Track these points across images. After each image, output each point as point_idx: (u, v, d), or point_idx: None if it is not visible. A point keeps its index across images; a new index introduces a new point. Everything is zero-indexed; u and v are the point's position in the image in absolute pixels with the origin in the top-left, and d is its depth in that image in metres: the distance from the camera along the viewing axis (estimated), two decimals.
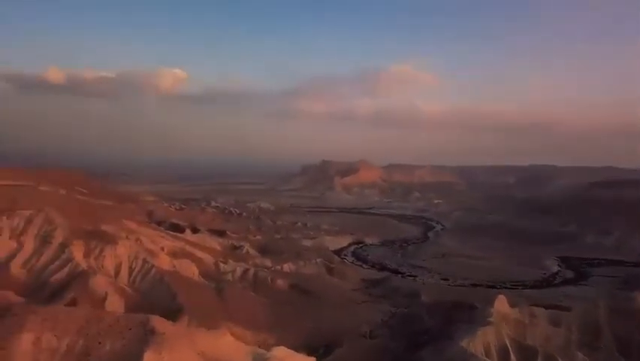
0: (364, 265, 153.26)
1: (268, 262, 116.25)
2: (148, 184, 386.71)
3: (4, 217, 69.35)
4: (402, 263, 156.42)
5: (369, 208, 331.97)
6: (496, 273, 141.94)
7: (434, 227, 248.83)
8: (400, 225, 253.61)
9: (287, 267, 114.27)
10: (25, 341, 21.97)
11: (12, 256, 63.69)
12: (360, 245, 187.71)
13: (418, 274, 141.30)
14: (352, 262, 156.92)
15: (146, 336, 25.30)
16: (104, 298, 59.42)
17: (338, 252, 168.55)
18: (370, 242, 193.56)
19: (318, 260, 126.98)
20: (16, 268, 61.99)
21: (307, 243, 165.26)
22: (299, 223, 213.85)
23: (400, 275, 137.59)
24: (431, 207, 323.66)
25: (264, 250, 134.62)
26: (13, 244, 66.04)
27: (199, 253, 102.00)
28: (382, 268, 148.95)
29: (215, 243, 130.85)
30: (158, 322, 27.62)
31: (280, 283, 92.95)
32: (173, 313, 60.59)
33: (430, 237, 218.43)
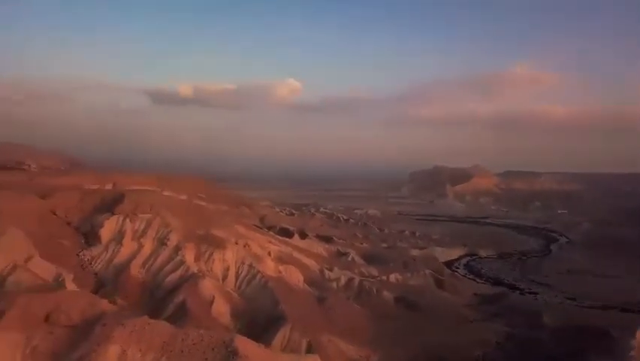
0: (478, 280, 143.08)
1: (374, 272, 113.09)
2: (264, 189, 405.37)
3: (128, 220, 75.10)
4: (520, 278, 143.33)
5: (484, 218, 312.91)
6: (631, 294, 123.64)
7: (558, 240, 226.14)
8: (518, 236, 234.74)
9: (393, 277, 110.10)
10: (112, 353, 22.09)
11: (133, 257, 68.51)
12: (474, 257, 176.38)
13: (539, 291, 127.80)
14: (464, 276, 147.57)
15: (228, 358, 24.23)
16: (211, 302, 61.15)
17: (449, 264, 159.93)
18: (485, 254, 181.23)
19: (427, 272, 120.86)
20: (135, 269, 66.44)
21: (415, 253, 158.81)
22: (407, 232, 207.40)
23: (517, 292, 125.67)
24: (554, 218, 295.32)
25: (370, 259, 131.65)
26: (134, 246, 71.10)
27: (305, 260, 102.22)
28: (498, 283, 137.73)
29: (321, 249, 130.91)
30: (241, 343, 26.48)
31: (386, 294, 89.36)
32: (275, 321, 60.47)
33: (553, 250, 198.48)
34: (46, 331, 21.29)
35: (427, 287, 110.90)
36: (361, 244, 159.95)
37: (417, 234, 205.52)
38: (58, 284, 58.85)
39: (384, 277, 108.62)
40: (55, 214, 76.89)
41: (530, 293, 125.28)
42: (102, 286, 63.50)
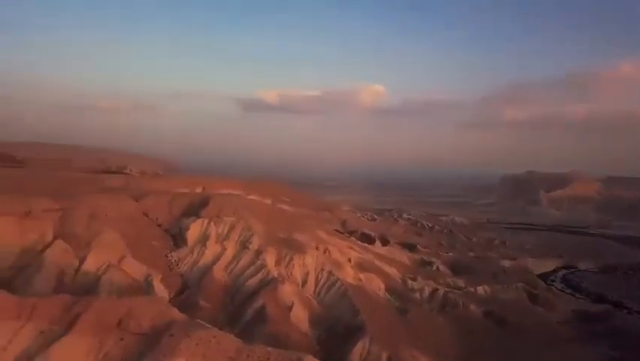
0: (577, 295, 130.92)
1: (460, 283, 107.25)
2: (346, 194, 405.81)
3: (212, 223, 77.23)
4: (627, 295, 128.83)
5: (584, 227, 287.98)
6: None
7: None
8: (623, 248, 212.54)
9: (481, 290, 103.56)
10: None
11: (216, 260, 70.15)
12: (572, 270, 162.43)
13: None
14: (561, 290, 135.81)
15: None
16: (290, 308, 60.67)
17: (543, 276, 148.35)
18: (584, 267, 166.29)
19: (519, 285, 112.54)
20: (218, 271, 67.88)
21: (506, 264, 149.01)
22: (496, 241, 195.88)
23: (624, 310, 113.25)
24: None
25: (456, 269, 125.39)
26: (218, 249, 72.83)
27: (387, 268, 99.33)
28: (600, 299, 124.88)
29: (404, 257, 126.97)
30: None
31: (473, 308, 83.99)
32: (354, 331, 58.65)
33: None
34: (118, 337, 21.33)
35: (519, 302, 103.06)
36: (447, 252, 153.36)
37: (507, 243, 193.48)
38: (148, 284, 61.60)
39: (472, 290, 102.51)
40: (147, 216, 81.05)
41: (639, 313, 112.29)
42: (187, 287, 65.50)
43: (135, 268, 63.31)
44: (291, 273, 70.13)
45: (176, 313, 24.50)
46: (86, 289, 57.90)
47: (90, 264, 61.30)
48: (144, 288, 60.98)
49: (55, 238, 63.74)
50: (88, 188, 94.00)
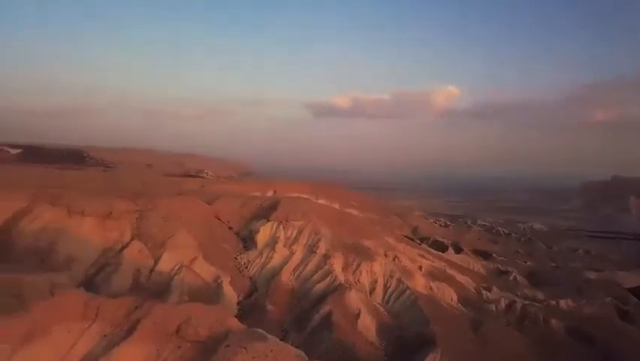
0: None
1: (540, 295, 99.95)
2: (417, 198, 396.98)
3: (281, 227, 77.61)
4: None
5: None
6: None
7: None
8: None
9: (564, 303, 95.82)
10: None
11: (284, 263, 70.26)
12: None
13: None
14: None
15: None
16: (357, 316, 59.18)
17: (635, 291, 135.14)
18: None
19: (607, 299, 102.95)
20: (286, 276, 67.89)
21: (591, 276, 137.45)
22: (580, 250, 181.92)
23: None
24: None
25: (535, 280, 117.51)
26: (286, 252, 72.98)
27: (460, 277, 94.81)
28: None
29: (478, 265, 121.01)
30: None
31: (554, 323, 77.78)
32: (423, 343, 56.02)
33: None
34: (175, 345, 21.16)
35: (607, 318, 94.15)
36: (525, 262, 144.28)
37: (592, 253, 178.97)
38: (217, 286, 62.82)
39: (553, 303, 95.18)
40: (218, 219, 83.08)
41: None
42: (255, 290, 66.06)
43: (206, 270, 64.87)
44: (358, 280, 68.65)
45: (234, 323, 24.07)
46: (160, 288, 60.05)
47: (164, 264, 63.65)
48: (214, 289, 62.28)
49: (132, 238, 66.90)
50: (165, 190, 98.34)
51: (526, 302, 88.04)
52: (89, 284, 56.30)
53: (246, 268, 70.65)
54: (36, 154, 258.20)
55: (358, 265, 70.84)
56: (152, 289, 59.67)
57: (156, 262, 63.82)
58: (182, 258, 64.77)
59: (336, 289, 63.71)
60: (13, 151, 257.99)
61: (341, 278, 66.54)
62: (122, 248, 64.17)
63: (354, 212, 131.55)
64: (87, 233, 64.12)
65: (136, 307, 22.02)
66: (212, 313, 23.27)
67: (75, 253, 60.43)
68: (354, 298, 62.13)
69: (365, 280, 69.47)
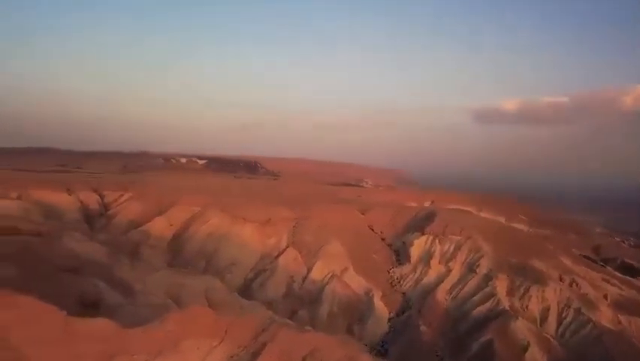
0: None
1: None
2: (599, 213, 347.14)
3: (437, 241, 72.43)
4: None
5: None
6: None
7: None
8: None
9: None
10: None
11: (439, 281, 65.07)
12: None
13: None
14: None
15: None
16: (525, 349, 51.45)
17: None
18: None
19: None
20: (441, 295, 62.68)
21: None
22: None
23: None
24: None
25: None
26: (442, 269, 67.65)
27: None
28: None
29: None
30: None
31: None
32: None
33: None
34: None
35: None
36: None
37: None
38: (368, 299, 60.69)
39: None
40: (371, 229, 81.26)
41: None
42: (408, 307, 62.25)
43: (356, 282, 63.33)
44: (526, 306, 60.04)
45: (365, 359, 21.25)
46: (311, 297, 60.12)
47: (316, 273, 63.80)
48: (364, 303, 60.32)
49: (288, 245, 68.68)
50: (322, 199, 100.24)
51: None
52: (246, 289, 58.91)
53: (399, 282, 67.24)
54: (218, 164, 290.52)
55: (527, 290, 62.07)
56: (304, 298, 60.12)
57: (309, 271, 64.37)
58: (333, 268, 64.28)
59: (500, 316, 56.51)
60: (200, 162, 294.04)
61: (505, 303, 58.94)
62: (279, 255, 66.20)
63: (523, 227, 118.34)
64: (247, 238, 67.65)
65: (263, 330, 20.73)
66: (342, 347, 20.82)
67: (236, 257, 64.07)
68: (521, 328, 54.29)
69: (535, 307, 60.46)
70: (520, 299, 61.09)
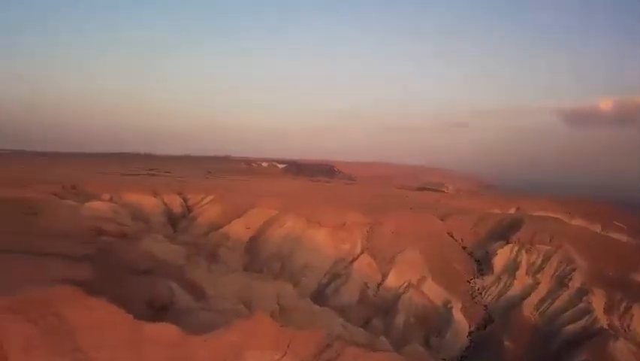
0: None
1: None
2: None
3: (524, 251, 67.34)
4: None
5: None
6: None
7: None
8: None
9: None
10: None
11: (526, 295, 60.23)
12: None
13: None
14: None
15: None
16: None
17: None
18: None
19: None
20: (528, 309, 57.92)
21: None
22: None
23: None
24: None
25: None
26: (529, 281, 62.65)
27: None
28: None
29: None
30: None
31: None
32: None
33: None
34: None
35: None
36: None
37: None
38: (446, 311, 57.65)
39: None
40: (451, 236, 77.53)
41: None
42: (490, 321, 58.30)
43: (435, 292, 60.44)
44: (628, 326, 53.79)
45: None
46: (386, 306, 58.22)
47: (391, 281, 61.77)
48: (443, 315, 57.34)
49: (362, 250, 67.18)
50: (398, 204, 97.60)
51: None
52: (319, 294, 58.18)
53: (480, 294, 63.27)
54: (297, 168, 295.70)
55: (628, 308, 55.64)
56: (378, 306, 58.30)
57: (384, 278, 62.45)
58: (410, 276, 61.83)
59: (597, 335, 51.07)
60: (280, 166, 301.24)
61: (603, 322, 53.19)
62: (353, 260, 64.88)
63: (622, 237, 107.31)
64: (321, 243, 67.06)
65: (327, 345, 19.57)
66: None
67: (310, 262, 63.66)
68: (622, 350, 48.63)
69: (637, 327, 54.01)
70: (620, 318, 54.89)
